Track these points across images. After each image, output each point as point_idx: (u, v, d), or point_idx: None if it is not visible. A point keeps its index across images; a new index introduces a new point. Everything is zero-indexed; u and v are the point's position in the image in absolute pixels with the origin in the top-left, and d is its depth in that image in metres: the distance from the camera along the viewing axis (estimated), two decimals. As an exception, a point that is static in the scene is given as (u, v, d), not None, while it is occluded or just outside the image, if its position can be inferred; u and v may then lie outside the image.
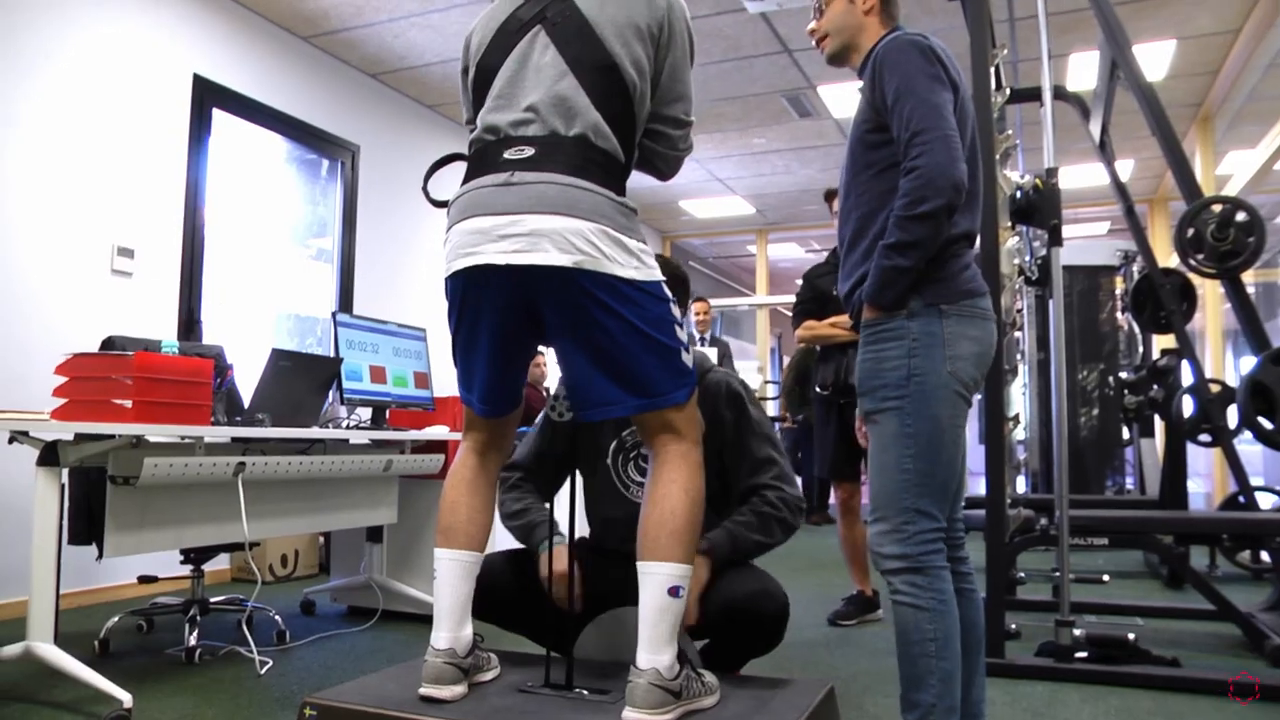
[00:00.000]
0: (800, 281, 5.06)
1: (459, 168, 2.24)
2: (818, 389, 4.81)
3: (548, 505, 2.60)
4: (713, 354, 8.53)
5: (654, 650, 1.99)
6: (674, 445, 2.15)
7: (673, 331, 2.12)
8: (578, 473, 2.74)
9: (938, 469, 2.18)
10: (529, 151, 2.05)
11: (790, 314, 5.13)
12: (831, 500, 10.22)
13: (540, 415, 2.81)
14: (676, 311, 2.15)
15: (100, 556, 3.17)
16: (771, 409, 11.04)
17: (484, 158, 2.12)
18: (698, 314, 8.86)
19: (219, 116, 5.91)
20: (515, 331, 2.19)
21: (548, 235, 1.98)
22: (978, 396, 2.46)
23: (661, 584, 2.03)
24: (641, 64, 2.15)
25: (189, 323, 5.54)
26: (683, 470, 2.14)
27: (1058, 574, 3.61)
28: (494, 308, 2.12)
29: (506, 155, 2.07)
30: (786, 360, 11.12)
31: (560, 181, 2.02)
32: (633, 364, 2.09)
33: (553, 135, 2.06)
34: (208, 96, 5.78)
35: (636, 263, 2.05)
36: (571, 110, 2.07)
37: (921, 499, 2.17)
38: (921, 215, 2.10)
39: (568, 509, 2.48)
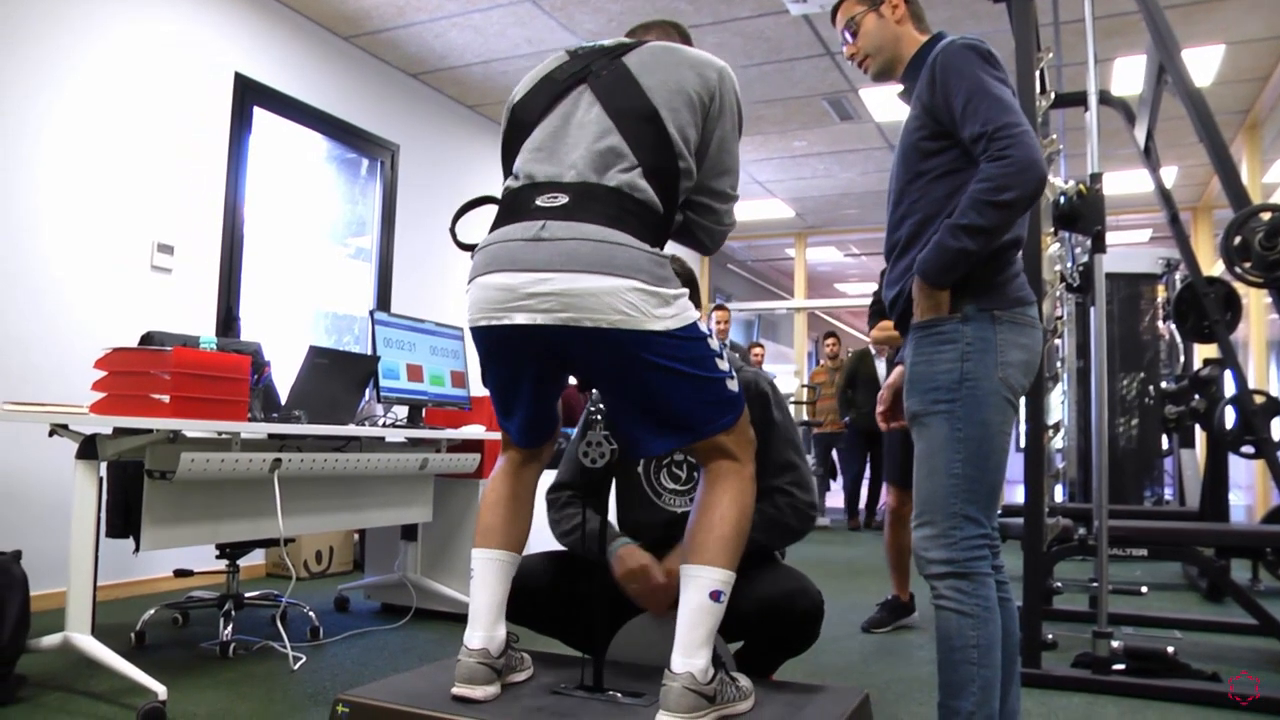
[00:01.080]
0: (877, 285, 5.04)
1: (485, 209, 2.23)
2: None
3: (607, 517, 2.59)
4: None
5: (689, 654, 1.98)
6: (727, 464, 2.15)
7: (713, 365, 2.09)
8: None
9: (986, 474, 2.17)
10: (562, 199, 2.00)
11: (829, 316, 5.11)
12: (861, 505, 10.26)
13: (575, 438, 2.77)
14: (714, 343, 2.12)
15: (137, 550, 3.19)
16: (803, 413, 11.00)
17: (516, 203, 2.08)
18: (718, 323, 9.00)
19: (260, 115, 5.96)
20: (549, 376, 2.20)
21: (580, 296, 1.93)
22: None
23: (704, 587, 2.02)
24: (687, 131, 2.11)
25: (227, 319, 5.58)
26: (734, 483, 2.13)
27: (1095, 584, 3.56)
28: (527, 362, 2.12)
29: (539, 202, 2.02)
30: (820, 363, 11.06)
31: (594, 237, 1.96)
32: (676, 407, 2.07)
33: (588, 184, 2.02)
34: (249, 95, 5.82)
35: (672, 312, 2.00)
36: (611, 162, 2.03)
37: (969, 505, 2.15)
38: (1003, 203, 2.06)
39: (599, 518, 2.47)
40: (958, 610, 2.13)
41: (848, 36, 2.50)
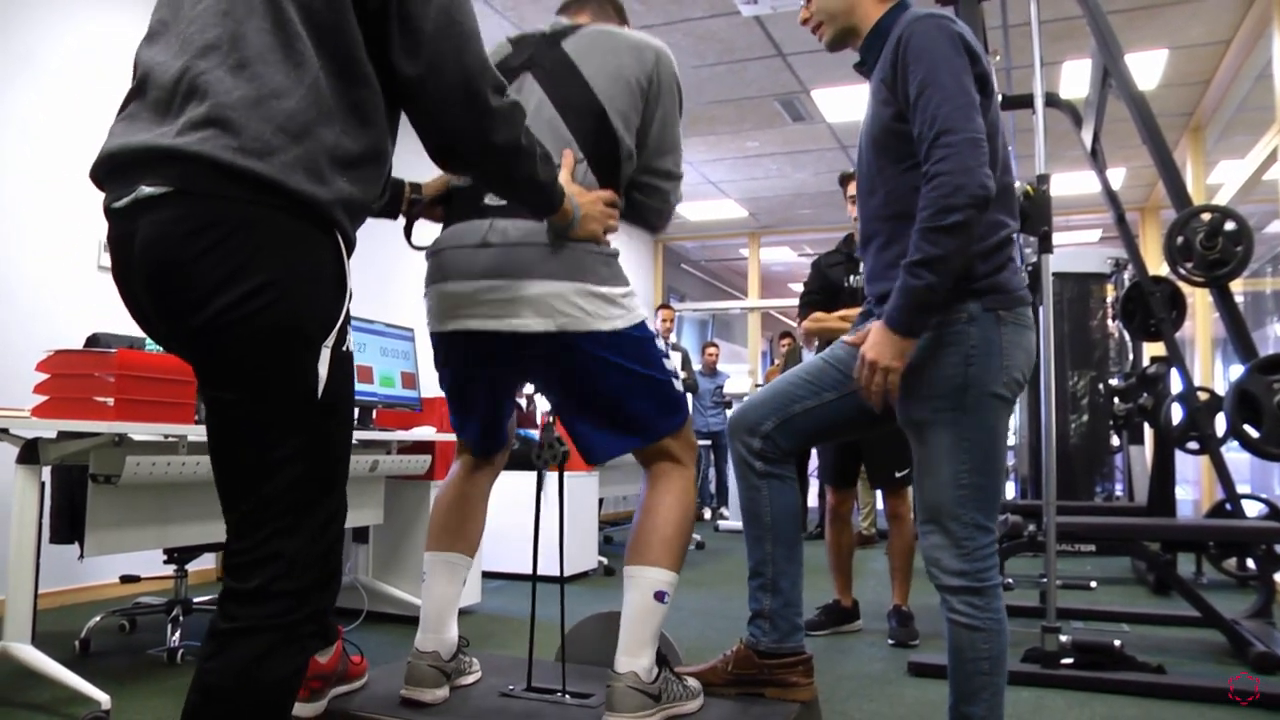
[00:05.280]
0: (810, 270, 4.69)
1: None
2: None
3: None
4: (677, 358, 8.84)
5: (633, 653, 1.99)
6: (669, 466, 2.18)
7: (661, 365, 2.13)
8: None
9: (993, 480, 2.09)
10: None
11: (784, 316, 5.04)
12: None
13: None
14: (661, 343, 2.15)
15: (82, 555, 3.14)
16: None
17: (463, 200, 2.11)
18: (663, 321, 9.20)
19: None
20: (504, 383, 2.23)
21: (530, 302, 1.96)
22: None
23: (648, 587, 2.04)
24: (628, 116, 2.12)
25: (176, 321, 5.50)
26: (678, 485, 2.16)
27: (1044, 580, 3.60)
28: (482, 367, 2.15)
29: (486, 200, 2.05)
30: (775, 363, 11.13)
31: (539, 240, 1.98)
32: (625, 407, 2.10)
33: None
34: (197, 94, 5.74)
35: (620, 311, 2.04)
36: (557, 152, 2.04)
37: (979, 513, 2.07)
38: (950, 226, 1.90)
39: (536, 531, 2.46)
40: (970, 626, 2.07)
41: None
